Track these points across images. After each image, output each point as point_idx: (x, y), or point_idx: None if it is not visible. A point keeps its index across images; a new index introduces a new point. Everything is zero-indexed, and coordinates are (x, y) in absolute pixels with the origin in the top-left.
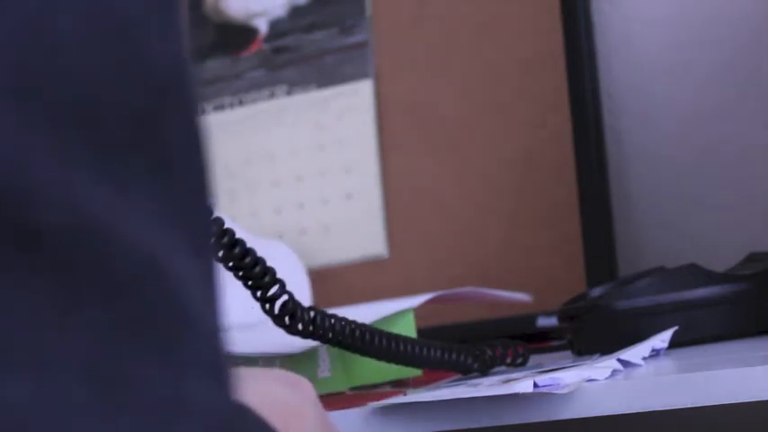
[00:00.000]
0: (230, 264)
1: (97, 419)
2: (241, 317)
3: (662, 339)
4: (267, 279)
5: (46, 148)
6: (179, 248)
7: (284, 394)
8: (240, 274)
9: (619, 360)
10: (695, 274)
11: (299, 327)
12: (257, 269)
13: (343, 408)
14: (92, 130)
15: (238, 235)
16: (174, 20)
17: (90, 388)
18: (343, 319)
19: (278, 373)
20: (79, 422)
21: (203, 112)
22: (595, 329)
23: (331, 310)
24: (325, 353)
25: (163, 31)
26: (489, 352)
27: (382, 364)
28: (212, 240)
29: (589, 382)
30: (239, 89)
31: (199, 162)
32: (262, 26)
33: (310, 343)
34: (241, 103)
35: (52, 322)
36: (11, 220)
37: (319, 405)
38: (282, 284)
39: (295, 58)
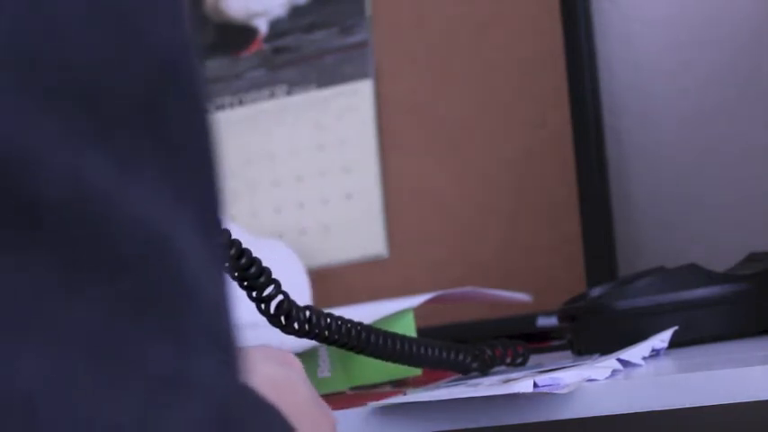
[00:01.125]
0: None
1: (103, 393)
2: (241, 317)
3: (662, 339)
4: (262, 279)
5: (48, 126)
6: (184, 226)
7: (276, 371)
8: (236, 275)
9: (619, 360)
10: (695, 274)
11: (295, 326)
12: (253, 270)
13: (343, 408)
14: (95, 110)
15: (237, 235)
16: (176, 5)
17: (95, 363)
18: (340, 318)
19: (266, 349)
20: (85, 396)
21: (208, 94)
22: (595, 329)
23: (331, 311)
24: (325, 353)
25: (165, 14)
26: (489, 352)
27: (382, 364)
28: (221, 220)
29: (589, 382)
30: (239, 89)
31: (204, 143)
32: (262, 26)
33: (310, 343)
34: (241, 103)
35: (56, 298)
36: (13, 194)
37: (308, 380)
38: (278, 284)
39: (295, 58)
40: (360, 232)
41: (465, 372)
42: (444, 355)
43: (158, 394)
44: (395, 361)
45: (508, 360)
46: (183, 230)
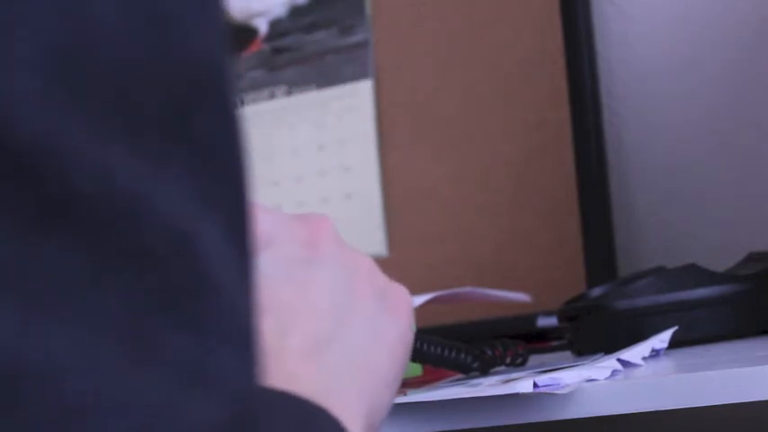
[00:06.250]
0: None
1: (131, 372)
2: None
3: (662, 339)
4: None
5: (79, 123)
6: (209, 226)
7: None
8: None
9: (619, 360)
10: (695, 274)
11: None
12: None
13: None
14: (129, 111)
15: None
16: (212, 12)
17: (121, 344)
18: None
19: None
20: (113, 373)
21: (240, 102)
22: (595, 329)
23: None
24: None
25: (201, 19)
26: (489, 352)
27: None
28: (248, 224)
29: (589, 382)
30: (239, 89)
31: (233, 149)
32: (262, 26)
33: None
34: (241, 102)
35: (82, 282)
36: (50, 187)
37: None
38: None
39: (295, 58)
40: (359, 232)
41: (465, 371)
42: (445, 352)
43: (183, 380)
44: None
45: (508, 360)
46: (207, 230)
